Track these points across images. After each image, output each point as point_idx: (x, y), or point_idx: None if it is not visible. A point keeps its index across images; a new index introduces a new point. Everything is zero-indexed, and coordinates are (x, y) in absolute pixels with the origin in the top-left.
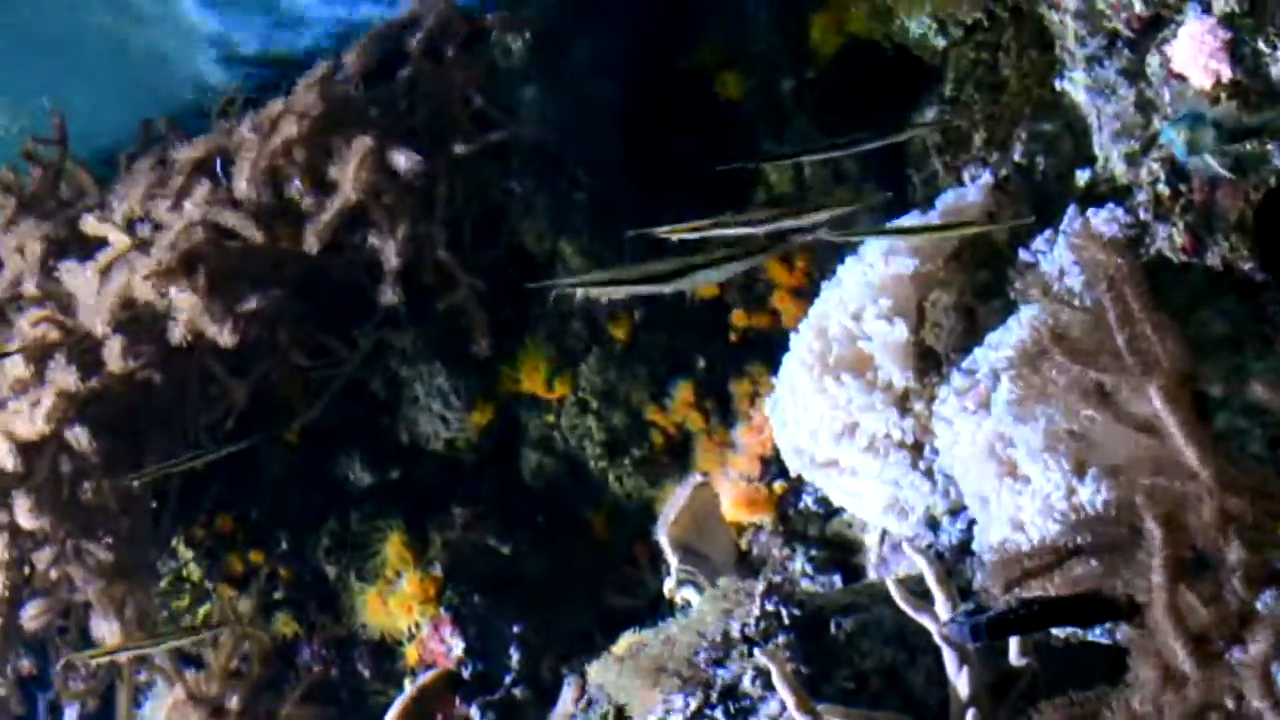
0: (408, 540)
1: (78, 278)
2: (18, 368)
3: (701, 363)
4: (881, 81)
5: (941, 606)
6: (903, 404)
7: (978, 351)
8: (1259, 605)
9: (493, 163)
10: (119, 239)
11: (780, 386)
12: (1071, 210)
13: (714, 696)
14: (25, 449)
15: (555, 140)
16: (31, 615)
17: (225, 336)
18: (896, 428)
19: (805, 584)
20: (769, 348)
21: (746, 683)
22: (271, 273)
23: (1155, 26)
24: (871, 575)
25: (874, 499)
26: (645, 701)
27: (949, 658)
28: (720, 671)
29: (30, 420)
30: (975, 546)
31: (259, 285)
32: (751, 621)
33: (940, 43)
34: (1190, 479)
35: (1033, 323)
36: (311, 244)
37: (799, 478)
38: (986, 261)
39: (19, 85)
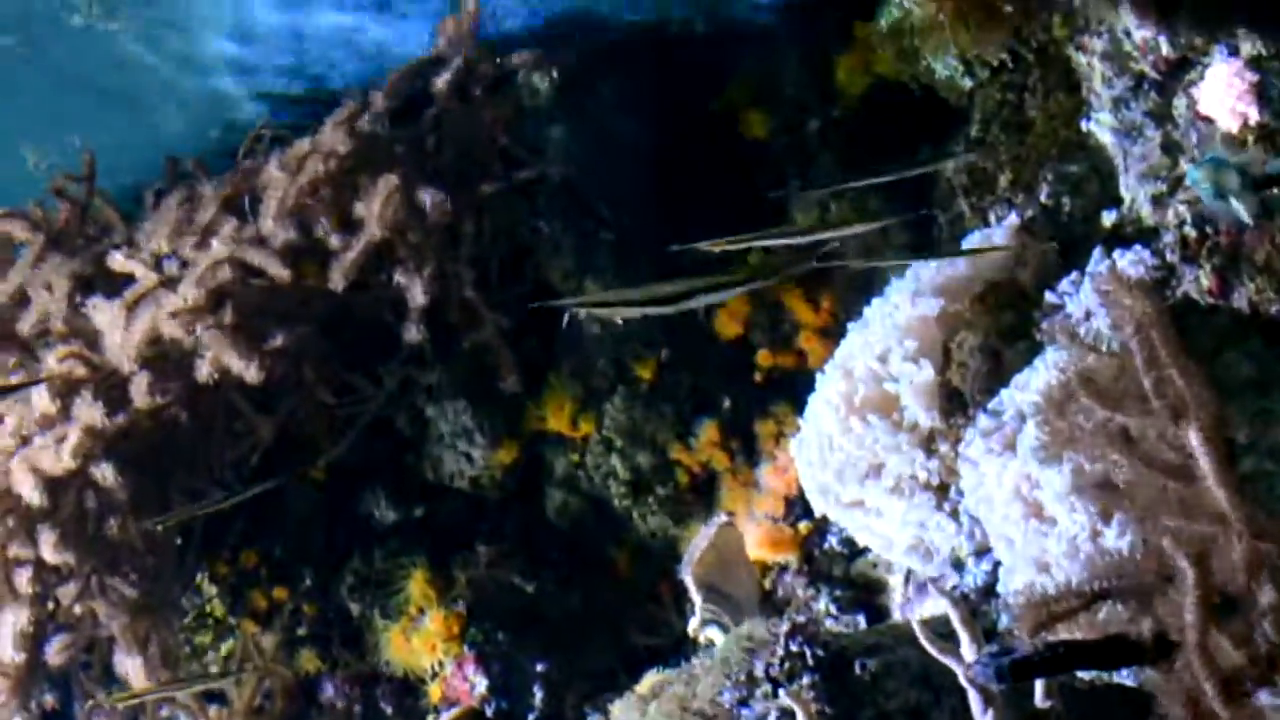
0: (432, 577)
1: (105, 314)
2: (44, 403)
3: (727, 402)
4: (908, 122)
5: (967, 648)
6: (928, 445)
7: (1004, 393)
8: None
9: (519, 201)
10: (146, 276)
11: (806, 427)
12: (1098, 252)
13: None
14: (51, 484)
15: (582, 179)
16: (56, 650)
17: (252, 374)
18: (922, 469)
19: (830, 624)
20: (794, 388)
21: None
22: (298, 310)
23: (1182, 68)
24: (896, 616)
25: (899, 540)
26: None
27: (974, 699)
28: (745, 712)
29: (56, 456)
30: (1000, 588)
31: (285, 323)
32: (776, 662)
33: (967, 84)
34: (1219, 522)
35: (1059, 366)
36: (337, 281)
37: (824, 518)
38: (1012, 303)
39: (47, 122)
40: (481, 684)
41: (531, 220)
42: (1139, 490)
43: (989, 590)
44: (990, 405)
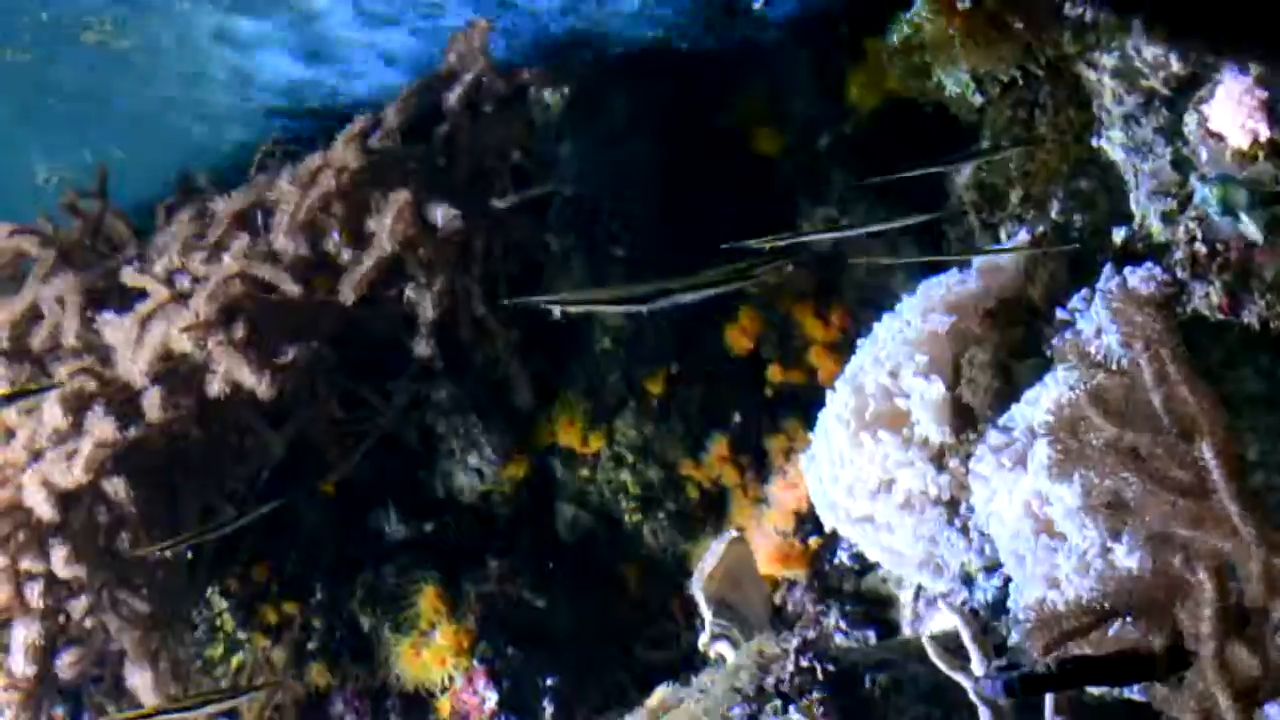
0: (442, 592)
1: (116, 329)
2: (56, 418)
3: (737, 418)
4: (919, 138)
5: (976, 663)
6: (939, 460)
7: (1014, 408)
8: None
9: (530, 217)
10: (158, 291)
11: (816, 442)
12: (1108, 268)
13: None
14: (63, 499)
15: (592, 196)
16: (67, 664)
17: (263, 389)
18: (933, 484)
19: (839, 640)
20: (805, 403)
21: None
22: (309, 325)
23: (1193, 85)
24: (906, 631)
25: (909, 555)
26: None
27: (984, 715)
28: None
29: (68, 470)
30: (1011, 604)
31: (297, 338)
32: (786, 677)
33: (977, 100)
34: (1232, 536)
35: (1069, 383)
36: (347, 295)
37: (834, 533)
38: (1023, 319)
39: (59, 137)
40: (492, 698)
41: (541, 236)
42: (1150, 507)
43: (999, 606)
44: (1001, 421)
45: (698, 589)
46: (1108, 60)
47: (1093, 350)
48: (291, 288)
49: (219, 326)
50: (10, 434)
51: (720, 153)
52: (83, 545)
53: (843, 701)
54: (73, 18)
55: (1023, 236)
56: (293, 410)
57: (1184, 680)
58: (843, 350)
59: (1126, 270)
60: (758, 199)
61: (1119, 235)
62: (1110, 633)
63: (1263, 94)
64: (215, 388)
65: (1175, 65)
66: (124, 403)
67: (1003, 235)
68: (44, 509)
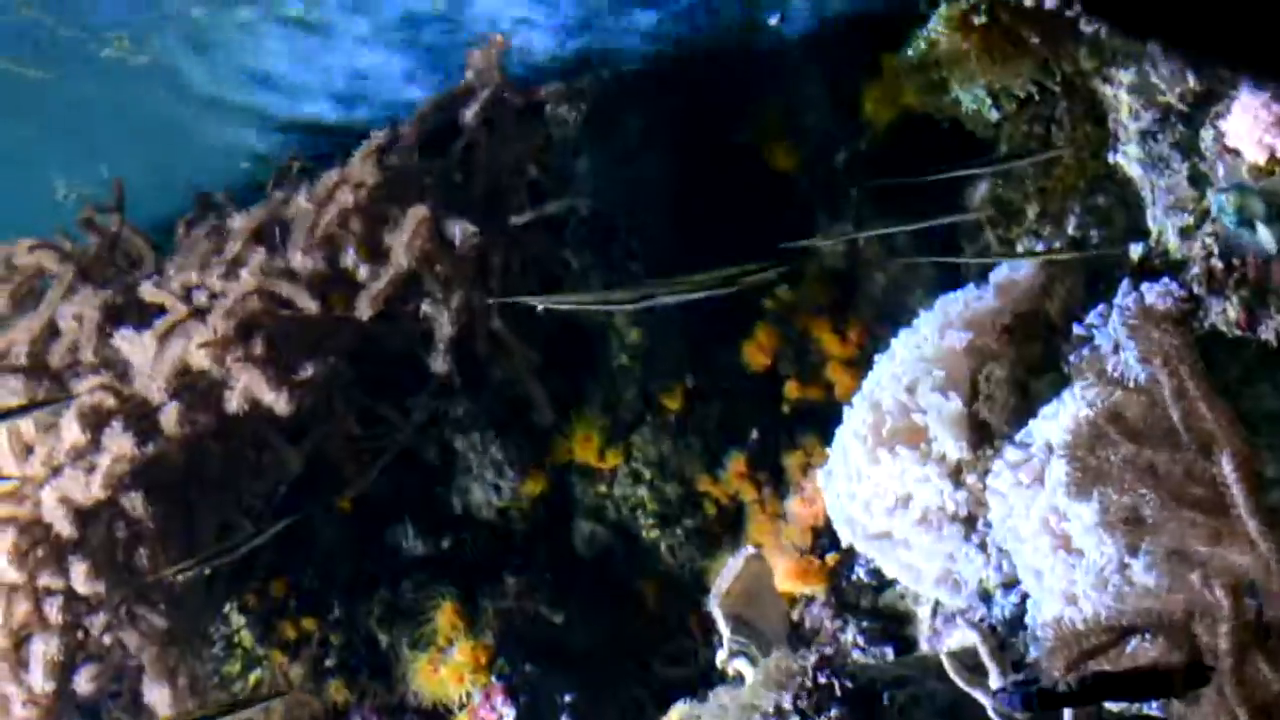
0: (460, 608)
1: (134, 345)
2: (74, 434)
3: (754, 434)
4: (935, 154)
5: (994, 679)
6: (956, 476)
7: (1032, 424)
8: None
9: (547, 233)
10: (176, 307)
11: (833, 458)
12: (1125, 284)
13: None
14: (81, 515)
15: (609, 211)
16: (85, 679)
17: (282, 405)
18: (950, 500)
19: (857, 656)
20: (822, 419)
21: None
22: (327, 341)
23: (1209, 101)
24: (924, 647)
25: (927, 571)
26: None
27: None
28: None
29: (86, 486)
30: (1028, 620)
31: (314, 354)
32: (804, 693)
33: (994, 116)
34: (1251, 552)
35: (1087, 400)
36: (364, 310)
37: (851, 549)
38: (1039, 335)
39: (78, 153)
40: (509, 715)
41: (559, 252)
42: (1168, 523)
43: (1017, 621)
44: (1018, 437)
45: (715, 605)
46: (1124, 76)
47: (1110, 367)
48: (309, 304)
49: (237, 343)
50: (29, 450)
51: (737, 168)
52: (101, 561)
53: (860, 718)
54: (91, 34)
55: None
56: (310, 426)
57: (1202, 696)
58: (860, 366)
59: (1143, 286)
60: (774, 215)
61: (1136, 251)
62: (1128, 648)
63: (1279, 109)
64: (233, 404)
65: (1192, 81)
66: (142, 419)
67: (1019, 251)
68: (63, 525)
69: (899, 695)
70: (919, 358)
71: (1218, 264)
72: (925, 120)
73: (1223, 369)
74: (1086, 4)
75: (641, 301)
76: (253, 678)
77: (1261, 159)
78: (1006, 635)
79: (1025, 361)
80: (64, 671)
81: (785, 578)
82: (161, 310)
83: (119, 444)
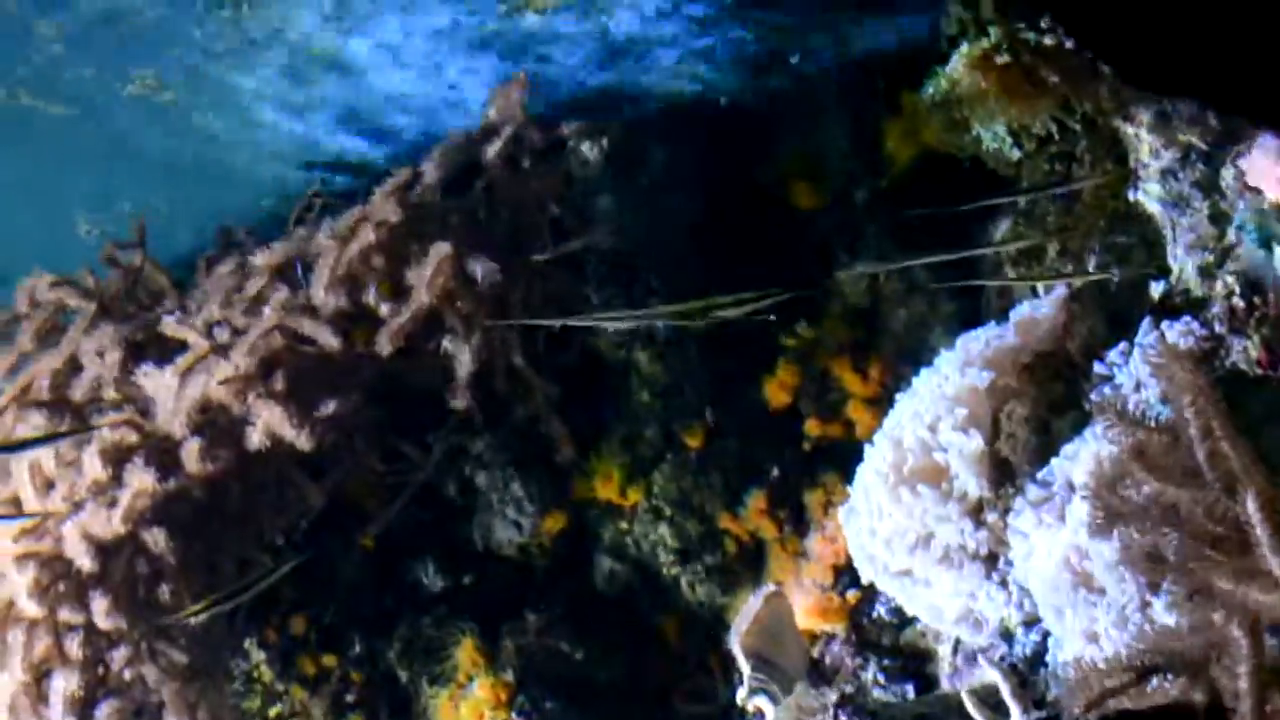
0: (480, 645)
1: (156, 381)
2: (96, 469)
3: (775, 471)
4: (956, 192)
5: (1016, 718)
6: (977, 515)
7: (1053, 463)
8: None
9: (569, 270)
10: (198, 343)
11: (854, 496)
12: (1146, 323)
13: None
14: (102, 550)
15: (631, 249)
16: (105, 715)
17: (303, 441)
18: (971, 538)
19: (878, 694)
20: (843, 457)
21: None
22: (348, 378)
23: (1229, 139)
24: (945, 686)
25: (948, 609)
26: None
27: None
28: None
29: (108, 521)
30: (1050, 658)
31: (336, 390)
32: None
33: (1014, 154)
34: (1274, 592)
35: (1108, 438)
36: (385, 345)
37: (872, 587)
38: (1061, 374)
39: (101, 190)
40: None
41: (580, 289)
42: (1190, 562)
43: (1038, 660)
44: (1039, 475)
45: (736, 643)
46: (1145, 115)
47: (1132, 405)
48: (331, 340)
49: (258, 379)
50: (51, 486)
51: (758, 206)
52: (122, 596)
53: None
54: (116, 72)
55: (1060, 290)
56: (332, 462)
57: None
58: (881, 405)
59: (1164, 325)
60: (795, 253)
61: (1157, 289)
62: (1149, 688)
63: None
64: (255, 440)
65: (1212, 120)
66: (164, 454)
67: (1040, 289)
68: (84, 560)
69: None
70: (940, 396)
71: (1239, 302)
72: (946, 158)
73: (1244, 408)
74: (1112, 65)
75: (646, 320)
76: (273, 713)
77: None
78: (1028, 673)
79: (1046, 400)
80: (84, 707)
81: (806, 615)
82: (183, 346)
83: (140, 479)
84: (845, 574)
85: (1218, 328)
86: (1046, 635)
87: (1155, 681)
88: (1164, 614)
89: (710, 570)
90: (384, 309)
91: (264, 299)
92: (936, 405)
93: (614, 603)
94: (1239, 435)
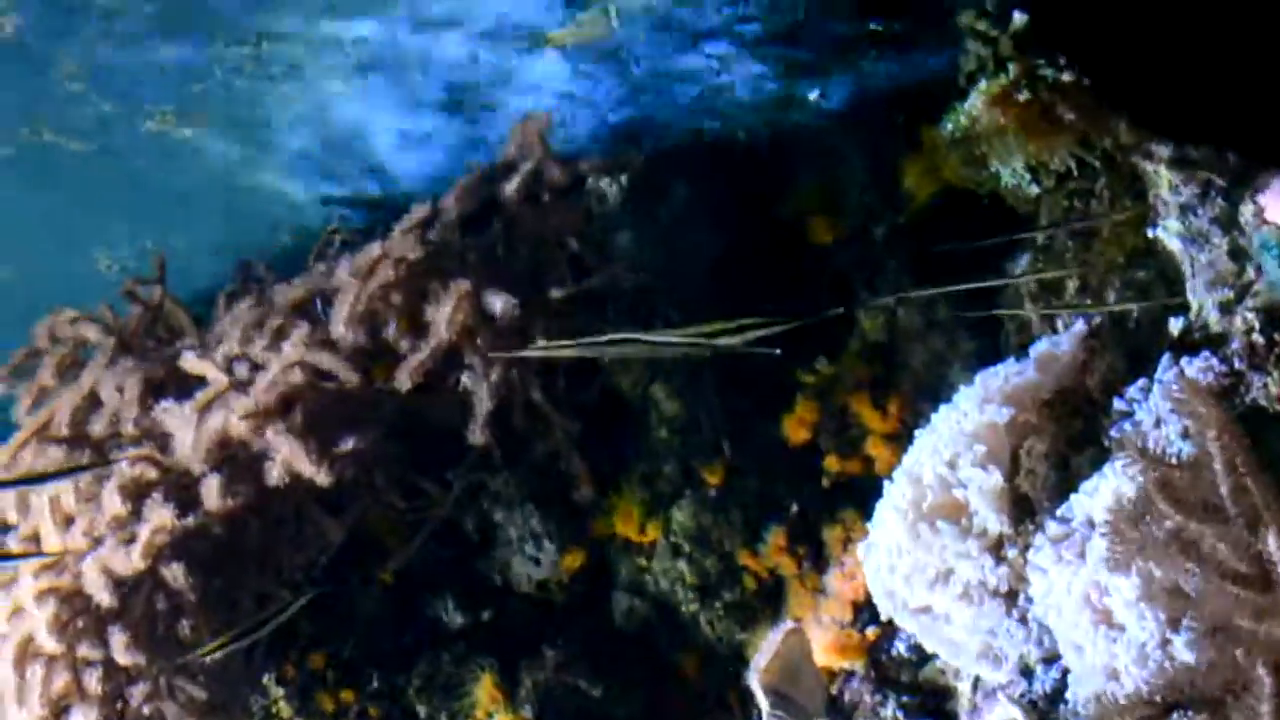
0: (499, 681)
1: (176, 417)
2: (115, 505)
3: (794, 508)
4: (976, 229)
5: None
6: (997, 551)
7: (1073, 499)
8: None
9: (588, 306)
10: (217, 378)
11: (874, 532)
12: (1165, 359)
13: None
14: (122, 585)
15: (650, 284)
16: None
17: (322, 478)
18: (991, 575)
19: None
20: (862, 493)
21: None
22: (368, 414)
23: (1248, 175)
24: None
25: (968, 646)
26: None
27: None
28: None
29: (127, 557)
30: (1069, 695)
31: (355, 426)
32: None
33: (1033, 190)
34: None
35: (1129, 474)
36: (404, 381)
37: (891, 623)
38: (1080, 410)
39: (121, 225)
40: None
41: (601, 324)
42: (1211, 599)
43: (1057, 697)
44: (1059, 512)
45: (755, 679)
46: (1164, 151)
47: (1152, 441)
48: (350, 376)
49: (278, 415)
50: (70, 522)
51: (777, 241)
52: (141, 632)
53: None
54: (134, 107)
55: (1080, 327)
56: (351, 498)
57: None
58: (900, 441)
59: (1183, 361)
60: (814, 288)
61: (1176, 325)
62: None
63: None
64: (274, 476)
65: (1231, 157)
66: (183, 489)
67: (1059, 325)
68: (103, 595)
69: None
70: (959, 432)
71: (1259, 339)
72: (965, 194)
73: (1264, 444)
74: (1127, 111)
75: (660, 350)
76: None
77: None
78: (1047, 710)
79: (1066, 436)
80: None
81: (825, 652)
82: (203, 382)
83: (159, 515)
84: (864, 610)
85: (1237, 364)
86: (1066, 672)
87: (1175, 718)
88: (1184, 651)
89: (729, 607)
90: (403, 345)
91: (284, 335)
92: (956, 441)
93: (633, 639)
94: (1263, 471)
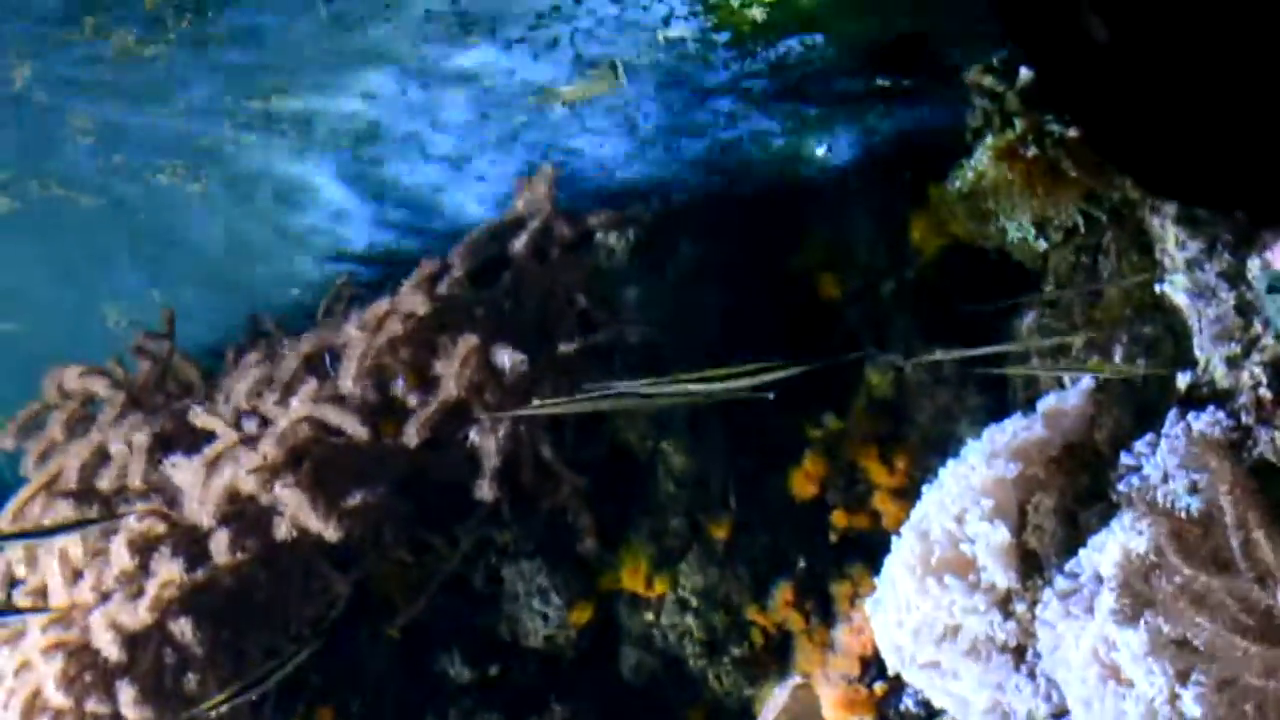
0: None
1: (184, 471)
2: (123, 560)
3: (802, 563)
4: (982, 284)
5: None
6: (1005, 606)
7: (1081, 554)
8: None
9: (596, 361)
10: (226, 433)
11: (881, 587)
12: (1173, 414)
13: None
14: (130, 639)
15: (658, 339)
16: None
17: (330, 532)
18: (999, 630)
19: None
20: (870, 548)
21: None
22: (376, 468)
23: (1255, 230)
24: None
25: (976, 701)
26: None
27: None
28: None
29: (135, 611)
30: None
31: (363, 481)
32: None
33: (1040, 246)
34: None
35: (1137, 529)
36: (411, 437)
37: (899, 678)
38: (1088, 465)
39: (130, 280)
40: None
41: (608, 379)
42: (1220, 653)
43: None
44: (1067, 567)
45: None
46: (1170, 207)
47: (1160, 496)
48: (359, 431)
49: (286, 469)
50: (78, 576)
51: (784, 297)
52: (149, 686)
53: None
54: (144, 161)
55: (1087, 382)
56: (359, 552)
57: None
58: (908, 496)
59: (1190, 416)
60: (822, 344)
61: (1183, 380)
62: None
63: None
64: (282, 531)
65: (1238, 213)
66: (191, 544)
67: (1067, 381)
68: (111, 650)
69: None
70: (967, 487)
71: (1266, 393)
72: (972, 250)
73: (1272, 499)
74: (1132, 174)
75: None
76: None
77: None
78: None
79: (1074, 491)
80: None
81: (832, 707)
82: (211, 436)
83: (168, 569)
84: (872, 666)
85: (1244, 418)
86: None
87: None
88: (1192, 706)
89: (737, 662)
90: (411, 400)
91: (293, 390)
92: (963, 497)
93: (640, 694)
94: (1274, 525)
